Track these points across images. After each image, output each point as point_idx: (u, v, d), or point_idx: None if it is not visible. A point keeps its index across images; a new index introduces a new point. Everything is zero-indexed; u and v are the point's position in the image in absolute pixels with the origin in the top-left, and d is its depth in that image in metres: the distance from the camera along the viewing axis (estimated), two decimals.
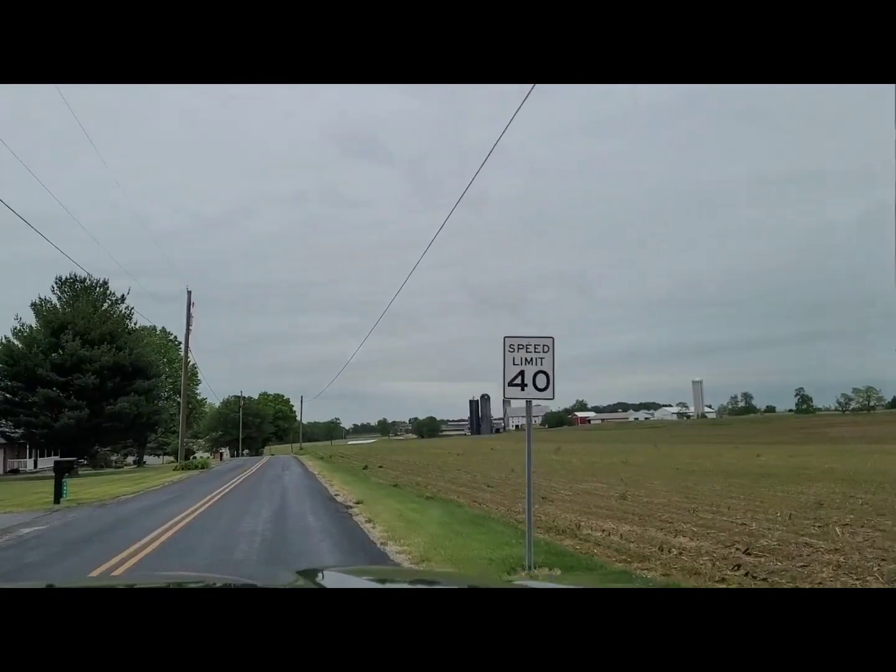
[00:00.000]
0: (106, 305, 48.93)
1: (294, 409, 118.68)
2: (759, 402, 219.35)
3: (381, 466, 36.58)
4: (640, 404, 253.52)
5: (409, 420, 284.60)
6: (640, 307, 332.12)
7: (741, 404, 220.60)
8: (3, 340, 43.08)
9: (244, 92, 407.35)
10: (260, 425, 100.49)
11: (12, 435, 44.56)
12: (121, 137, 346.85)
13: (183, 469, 40.81)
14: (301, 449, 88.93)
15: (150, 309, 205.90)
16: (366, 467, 35.56)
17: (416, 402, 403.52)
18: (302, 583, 2.49)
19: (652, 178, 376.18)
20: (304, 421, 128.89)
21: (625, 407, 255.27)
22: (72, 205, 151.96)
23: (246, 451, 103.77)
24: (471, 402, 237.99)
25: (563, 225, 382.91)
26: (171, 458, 68.02)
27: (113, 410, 42.93)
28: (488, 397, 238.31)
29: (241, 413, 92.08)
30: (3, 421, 43.38)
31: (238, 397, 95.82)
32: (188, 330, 44.42)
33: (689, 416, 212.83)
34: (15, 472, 56.24)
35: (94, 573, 8.53)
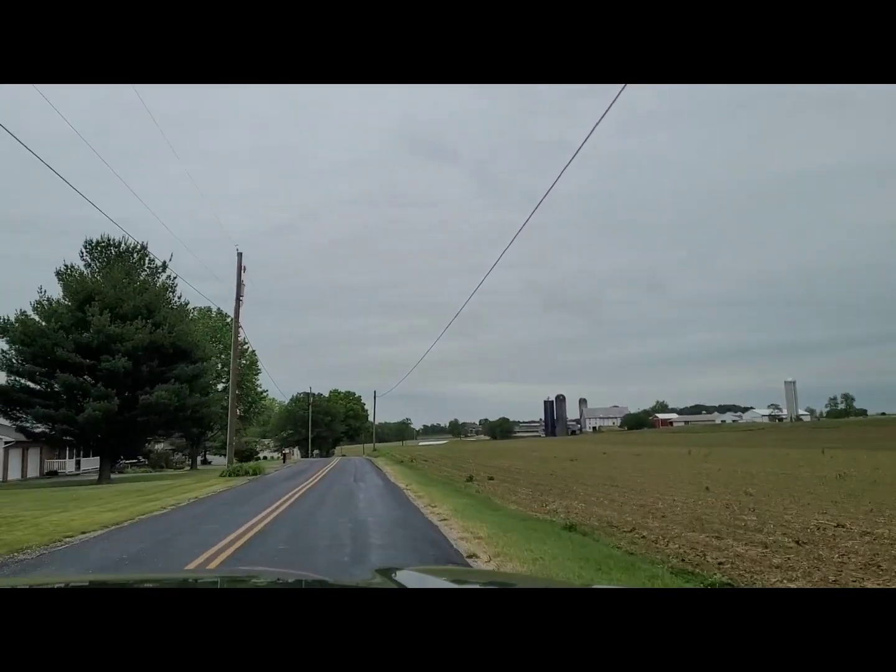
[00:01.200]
0: (144, 275, 40.56)
1: (366, 407, 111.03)
2: (859, 404, 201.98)
3: (491, 478, 26.42)
4: (719, 406, 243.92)
5: (479, 421, 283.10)
6: (713, 305, 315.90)
7: (841, 406, 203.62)
8: (21, 315, 35.15)
9: (312, 97, 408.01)
10: (330, 424, 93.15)
11: (34, 430, 36.72)
12: (194, 146, 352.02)
13: (231, 476, 31.91)
14: (375, 450, 78.91)
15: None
16: (471, 479, 25.47)
17: (484, 404, 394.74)
18: (379, 581, 2.57)
19: (725, 171, 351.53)
20: (375, 422, 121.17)
21: (700, 409, 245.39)
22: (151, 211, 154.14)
23: (316, 452, 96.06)
24: (545, 402, 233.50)
25: (634, 222, 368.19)
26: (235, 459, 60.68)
27: (148, 401, 34.50)
28: (563, 398, 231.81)
29: (310, 410, 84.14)
30: (21, 414, 35.46)
31: (307, 394, 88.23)
32: (238, 300, 35.56)
33: (781, 419, 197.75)
34: (52, 474, 49.10)
35: None
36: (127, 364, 34.02)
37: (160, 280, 40.75)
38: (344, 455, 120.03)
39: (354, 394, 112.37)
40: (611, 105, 10.81)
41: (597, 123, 11.59)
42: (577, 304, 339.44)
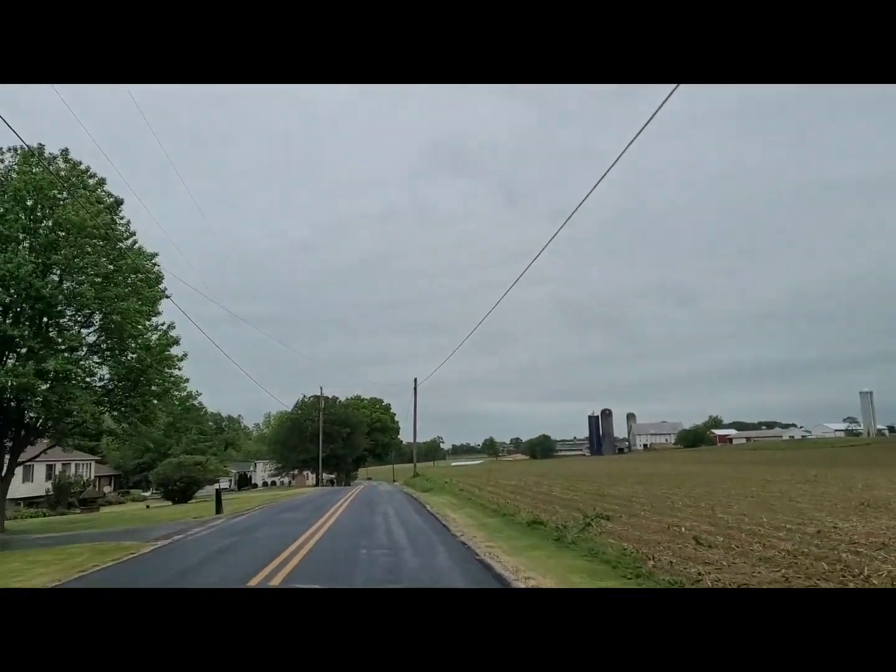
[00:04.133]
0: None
1: (396, 418, 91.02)
2: None
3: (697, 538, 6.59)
4: (758, 423, 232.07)
5: (510, 440, 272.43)
6: (745, 320, 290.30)
7: None
8: None
9: (328, 109, 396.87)
10: (350, 438, 72.45)
11: None
12: (210, 163, 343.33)
13: None
14: (417, 475, 50.82)
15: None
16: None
17: (515, 422, 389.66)
18: None
19: (762, 179, 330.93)
20: (402, 440, 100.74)
21: (742, 426, 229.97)
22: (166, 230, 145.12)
23: (331, 477, 76.39)
24: (590, 417, 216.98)
25: (666, 235, 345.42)
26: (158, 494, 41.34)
27: None
28: (609, 412, 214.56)
29: (321, 417, 64.34)
30: None
31: (317, 397, 67.98)
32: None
33: (857, 433, 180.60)
34: None
35: None
36: None
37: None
38: (370, 479, 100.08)
39: (382, 401, 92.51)
40: (655, 112, 9.98)
41: (639, 132, 10.74)
42: (607, 320, 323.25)
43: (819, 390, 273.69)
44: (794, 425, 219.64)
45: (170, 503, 37.77)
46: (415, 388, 42.81)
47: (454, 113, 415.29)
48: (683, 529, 12.58)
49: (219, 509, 22.91)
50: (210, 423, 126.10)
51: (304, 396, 73.16)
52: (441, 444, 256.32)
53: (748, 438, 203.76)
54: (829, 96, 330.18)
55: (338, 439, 68.96)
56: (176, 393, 24.35)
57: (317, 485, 62.24)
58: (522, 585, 8.09)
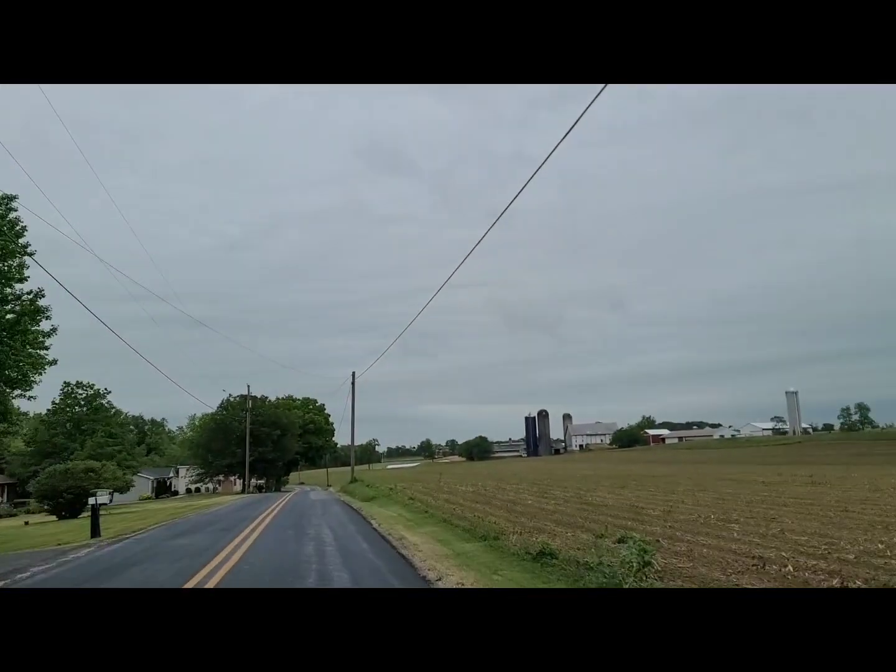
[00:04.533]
0: None
1: (331, 419, 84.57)
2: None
3: None
4: (686, 423, 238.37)
5: (446, 442, 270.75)
6: (681, 324, 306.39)
7: (855, 417, 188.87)
8: None
9: (263, 106, 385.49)
10: (281, 441, 65.67)
11: None
12: (138, 158, 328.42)
13: None
14: (355, 480, 43.44)
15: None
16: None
17: (450, 424, 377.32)
18: None
19: (691, 187, 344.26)
20: (338, 443, 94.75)
21: (671, 426, 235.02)
22: (91, 228, 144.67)
23: (260, 483, 69.91)
24: (526, 419, 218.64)
25: (596, 238, 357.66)
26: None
27: None
28: (546, 413, 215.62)
29: (248, 417, 58.00)
30: None
31: (244, 397, 61.50)
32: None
33: (784, 432, 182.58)
34: None
35: None
36: None
37: None
38: (302, 484, 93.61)
39: (315, 401, 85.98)
40: (584, 112, 9.84)
41: (565, 134, 10.67)
42: (541, 323, 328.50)
43: (741, 391, 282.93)
44: (720, 425, 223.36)
45: (55, 518, 31.25)
46: (352, 383, 37.31)
47: (389, 113, 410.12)
48: (790, 566, 8.05)
49: (94, 532, 17.20)
50: (132, 428, 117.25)
51: (230, 396, 66.26)
52: (377, 447, 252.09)
53: (680, 438, 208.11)
54: (752, 107, 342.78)
55: (267, 442, 62.34)
56: (36, 377, 18.39)
57: (243, 491, 55.91)
58: None
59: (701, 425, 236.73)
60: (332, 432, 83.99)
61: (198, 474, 66.15)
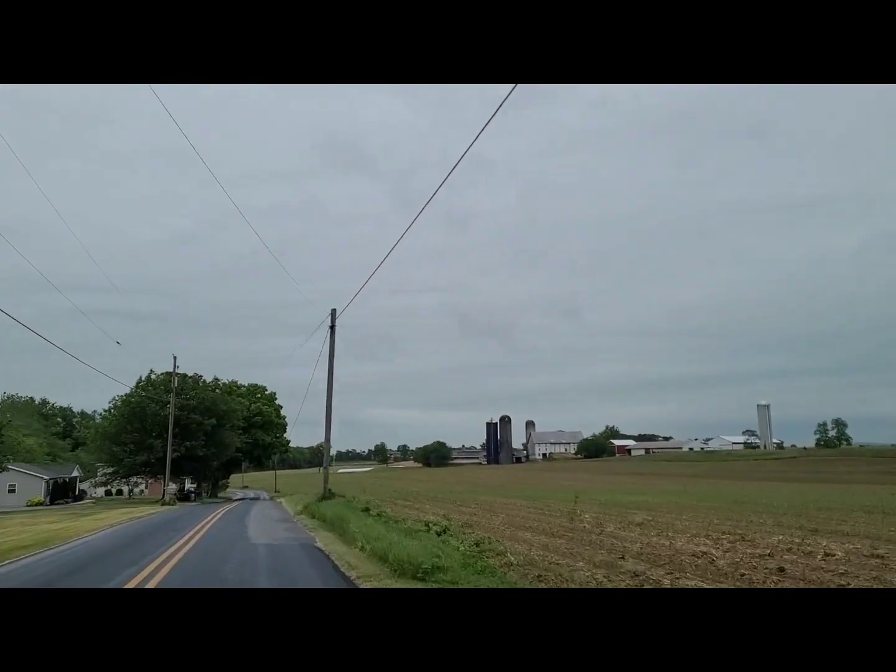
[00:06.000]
0: None
1: (284, 414, 69.53)
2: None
3: None
4: (638, 435, 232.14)
5: (398, 447, 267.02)
6: (634, 335, 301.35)
7: (832, 433, 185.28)
8: None
9: (219, 97, 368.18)
10: (217, 433, 50.14)
11: None
12: (88, 142, 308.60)
13: None
14: (328, 496, 24.37)
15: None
16: None
17: (401, 430, 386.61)
18: None
19: (644, 199, 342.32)
20: (290, 440, 79.91)
21: (637, 438, 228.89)
22: (36, 214, 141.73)
23: (191, 488, 54.91)
24: (487, 424, 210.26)
25: (552, 247, 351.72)
26: None
27: None
28: (509, 419, 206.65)
29: (173, 401, 42.86)
30: None
31: (170, 374, 46.39)
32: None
33: (755, 447, 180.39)
34: None
35: None
36: None
37: None
38: (246, 488, 79.12)
39: (265, 389, 69.90)
40: (499, 107, 9.69)
41: (481, 130, 10.71)
42: (496, 329, 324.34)
43: (693, 404, 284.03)
44: (671, 437, 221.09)
45: None
46: (331, 327, 23.19)
47: (348, 109, 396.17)
48: None
49: None
50: (58, 420, 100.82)
51: (152, 372, 50.66)
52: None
53: (647, 450, 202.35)
54: (708, 122, 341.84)
55: (198, 434, 47.23)
56: None
57: (162, 501, 41.05)
58: None
59: (653, 438, 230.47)
60: (283, 427, 68.88)
61: (104, 474, 50.79)
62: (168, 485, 44.88)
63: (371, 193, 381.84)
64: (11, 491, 51.93)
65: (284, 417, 68.71)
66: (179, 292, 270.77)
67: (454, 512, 19.79)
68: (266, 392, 68.89)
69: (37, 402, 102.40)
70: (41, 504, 51.35)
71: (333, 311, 24.25)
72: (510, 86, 8.73)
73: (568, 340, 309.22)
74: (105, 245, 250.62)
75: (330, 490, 23.49)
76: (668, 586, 6.98)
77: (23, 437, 72.64)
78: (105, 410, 53.62)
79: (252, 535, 16.44)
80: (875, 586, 6.81)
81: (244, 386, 67.01)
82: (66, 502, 54.59)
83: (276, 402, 68.52)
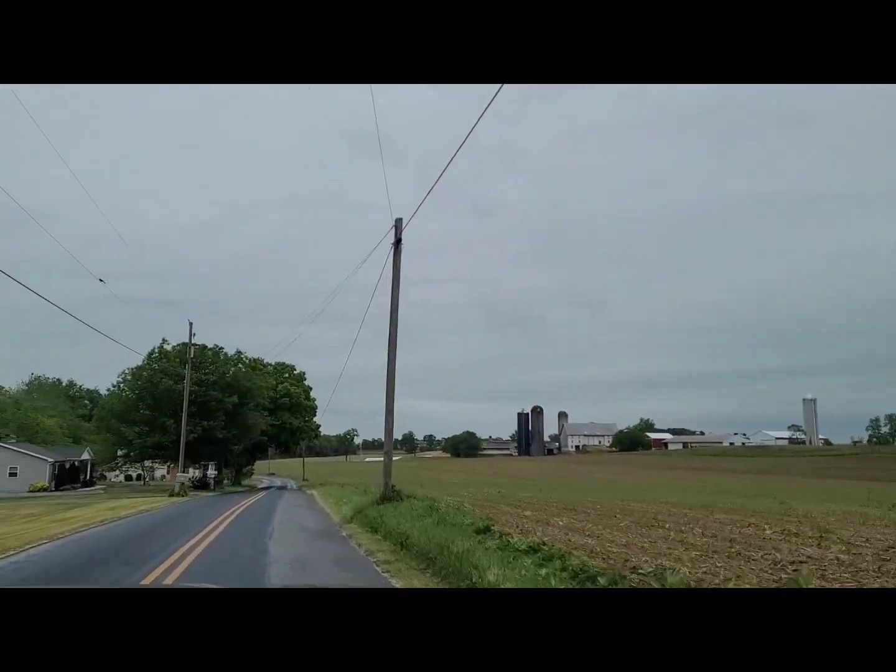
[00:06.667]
0: None
1: (313, 395, 63.34)
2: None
3: None
4: (669, 429, 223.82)
5: (424, 437, 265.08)
6: (664, 330, 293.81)
7: (884, 429, 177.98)
8: None
9: (245, 90, 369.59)
10: (238, 414, 44.39)
11: None
12: (115, 132, 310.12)
13: None
14: (391, 495, 17.00)
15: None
16: None
17: (429, 420, 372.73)
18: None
19: (679, 189, 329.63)
20: (320, 426, 74.05)
21: (674, 432, 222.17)
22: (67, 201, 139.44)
23: (213, 475, 49.01)
24: (519, 415, 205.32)
25: (584, 240, 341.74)
26: None
27: None
28: (541, 410, 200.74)
29: (188, 374, 36.69)
30: None
31: (185, 346, 39.99)
32: None
33: (800, 442, 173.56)
34: None
35: None
36: None
37: None
38: (273, 475, 73.87)
39: (293, 368, 63.74)
40: (492, 99, 10.28)
41: (478, 119, 11.10)
42: (521, 321, 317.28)
43: (728, 399, 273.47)
44: (703, 432, 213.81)
45: None
46: (397, 240, 16.31)
47: (374, 97, 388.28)
48: None
49: None
50: (86, 402, 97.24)
51: (164, 341, 44.90)
52: (355, 438, 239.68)
53: (685, 444, 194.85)
54: (748, 111, 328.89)
55: (217, 413, 41.40)
56: None
57: (171, 491, 34.96)
58: None
59: (684, 432, 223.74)
60: (313, 411, 62.76)
61: (116, 457, 45.15)
62: (185, 471, 39.06)
63: (397, 181, 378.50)
64: (13, 474, 46.62)
65: (314, 400, 62.75)
66: (203, 278, 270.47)
67: (616, 531, 12.17)
68: (295, 371, 62.89)
69: (64, 385, 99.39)
70: (45, 490, 45.96)
71: (399, 221, 17.73)
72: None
73: (596, 334, 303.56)
74: (136, 233, 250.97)
75: (394, 487, 16.59)
76: None
77: (47, 417, 68.45)
78: (113, 385, 47.77)
79: (273, 578, 8.79)
80: None
81: (271, 364, 61.02)
82: (74, 488, 49.16)
83: (305, 382, 62.61)
